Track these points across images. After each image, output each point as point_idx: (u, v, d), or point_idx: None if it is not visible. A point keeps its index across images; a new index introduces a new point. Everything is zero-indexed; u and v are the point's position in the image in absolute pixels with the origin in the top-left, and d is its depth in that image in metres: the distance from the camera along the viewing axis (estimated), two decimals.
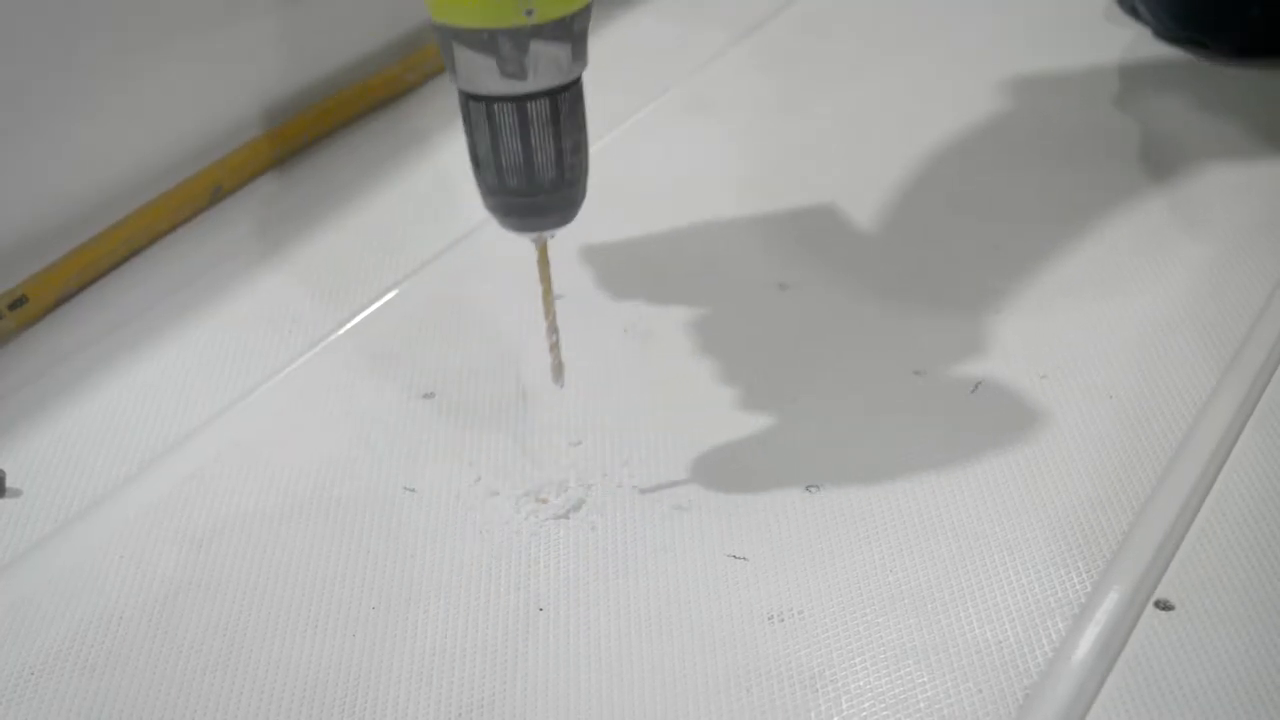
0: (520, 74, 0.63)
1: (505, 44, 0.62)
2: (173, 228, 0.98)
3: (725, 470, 0.76)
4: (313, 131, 1.07)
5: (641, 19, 1.21)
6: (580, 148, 0.66)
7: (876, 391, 0.80)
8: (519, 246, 0.93)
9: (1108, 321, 0.83)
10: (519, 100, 0.64)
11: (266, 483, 0.77)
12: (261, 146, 1.03)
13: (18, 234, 0.91)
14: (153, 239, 0.97)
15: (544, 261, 0.70)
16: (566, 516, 0.74)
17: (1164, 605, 0.67)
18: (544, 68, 0.63)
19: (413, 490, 0.76)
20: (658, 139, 1.04)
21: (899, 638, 0.66)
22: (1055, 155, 0.99)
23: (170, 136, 1.00)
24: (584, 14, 0.63)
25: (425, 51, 1.14)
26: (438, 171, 1.03)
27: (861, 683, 0.65)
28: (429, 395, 0.82)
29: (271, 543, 0.74)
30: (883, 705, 0.63)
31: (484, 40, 0.62)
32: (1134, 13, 1.11)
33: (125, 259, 0.95)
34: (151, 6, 0.96)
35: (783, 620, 0.68)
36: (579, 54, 0.64)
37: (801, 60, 1.09)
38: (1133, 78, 1.07)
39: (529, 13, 0.61)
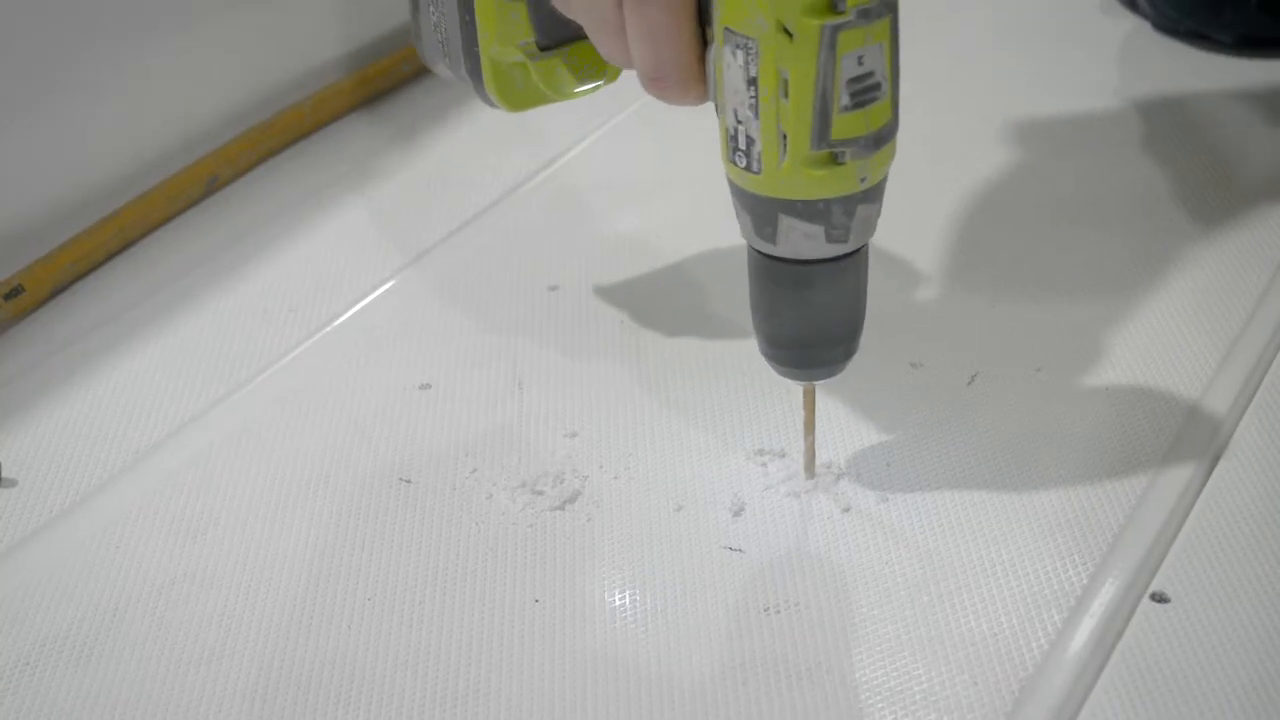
0: (844, 239, 0.64)
1: (837, 212, 0.63)
2: (169, 218, 0.98)
3: (720, 462, 0.76)
4: (308, 122, 1.06)
5: None
6: (865, 298, 0.68)
7: (872, 383, 0.80)
8: (515, 240, 0.93)
9: (1104, 314, 0.83)
10: (834, 261, 0.65)
11: (262, 473, 0.77)
12: (257, 137, 1.03)
13: (14, 223, 0.91)
14: (149, 229, 0.97)
15: (810, 403, 0.72)
16: (562, 508, 0.74)
17: (1160, 598, 0.67)
18: (862, 228, 0.65)
19: (409, 481, 0.76)
20: (655, 132, 1.04)
21: (895, 630, 0.66)
22: (1052, 148, 0.99)
23: (166, 127, 0.99)
24: (887, 175, 0.65)
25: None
26: (435, 162, 1.03)
27: (857, 675, 0.64)
28: (425, 386, 0.82)
29: (266, 534, 0.74)
30: (878, 697, 0.63)
31: (817, 210, 0.63)
32: (1131, 4, 1.11)
33: (121, 249, 0.95)
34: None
35: (779, 612, 0.68)
36: (879, 210, 0.65)
37: None
38: (1131, 69, 1.07)
39: (863, 179, 0.63)
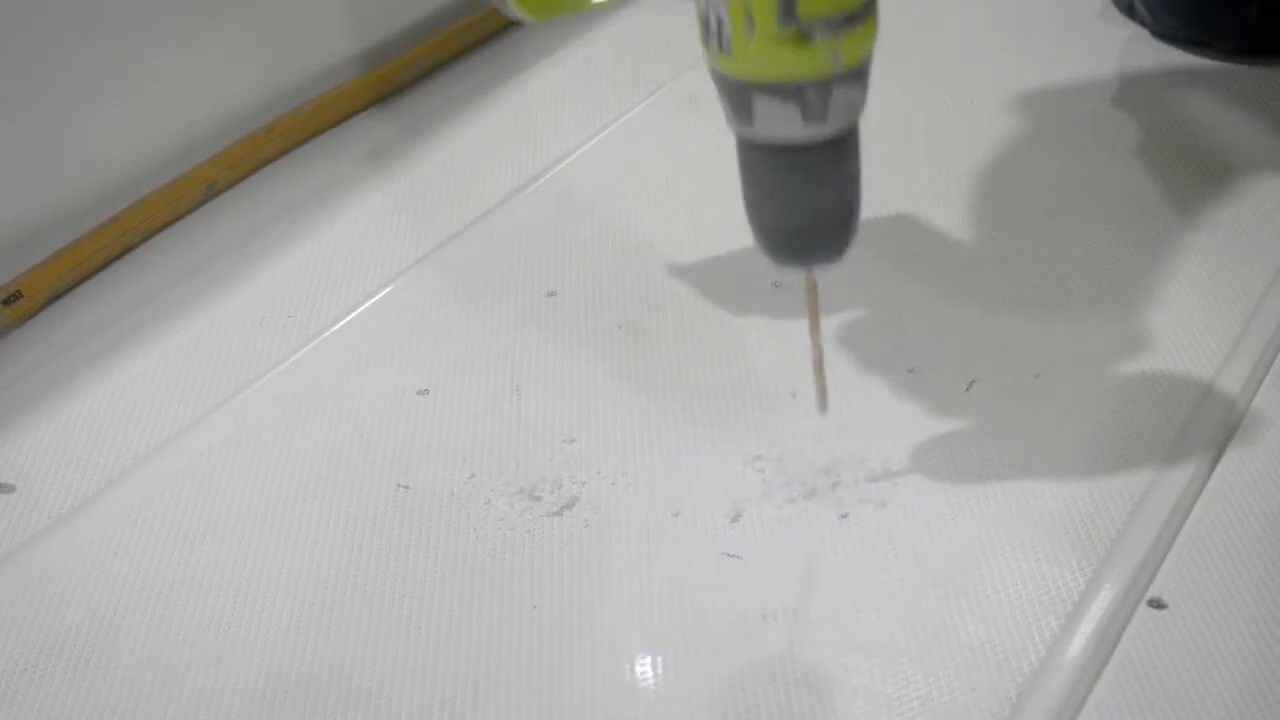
0: (822, 118, 0.62)
1: (811, 92, 0.62)
2: (167, 224, 0.98)
3: (718, 468, 0.76)
4: (307, 128, 1.06)
5: (636, 14, 1.21)
6: (858, 184, 0.67)
7: (871, 389, 0.80)
8: (513, 245, 0.93)
9: (1102, 321, 0.83)
10: (815, 145, 0.64)
11: (260, 479, 0.77)
12: (255, 142, 1.03)
13: (12, 229, 0.91)
14: (147, 235, 0.97)
15: (813, 295, 0.70)
16: (560, 514, 0.74)
17: (1157, 604, 0.67)
18: (841, 111, 0.63)
19: (406, 487, 0.76)
20: (650, 136, 1.04)
21: (892, 636, 0.66)
22: (1051, 155, 0.99)
23: (164, 132, 1.00)
24: (870, 58, 0.63)
25: (420, 48, 1.14)
26: (432, 168, 1.03)
27: (855, 681, 0.65)
28: (423, 392, 0.82)
29: (264, 539, 0.74)
30: (876, 704, 0.63)
31: (789, 91, 0.62)
32: (1130, 12, 1.11)
33: (120, 255, 0.95)
34: (142, 6, 0.96)
35: (776, 619, 0.68)
36: (864, 94, 0.64)
37: None
38: (1130, 77, 1.07)
39: (836, 60, 0.61)
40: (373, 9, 1.13)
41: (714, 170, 0.98)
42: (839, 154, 0.65)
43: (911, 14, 1.18)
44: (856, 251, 0.89)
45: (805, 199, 0.65)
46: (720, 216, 0.94)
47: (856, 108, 0.64)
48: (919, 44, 1.13)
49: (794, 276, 0.70)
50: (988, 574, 0.69)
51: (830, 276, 0.69)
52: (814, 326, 0.71)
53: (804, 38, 0.60)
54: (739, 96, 0.63)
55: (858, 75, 0.63)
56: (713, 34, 0.62)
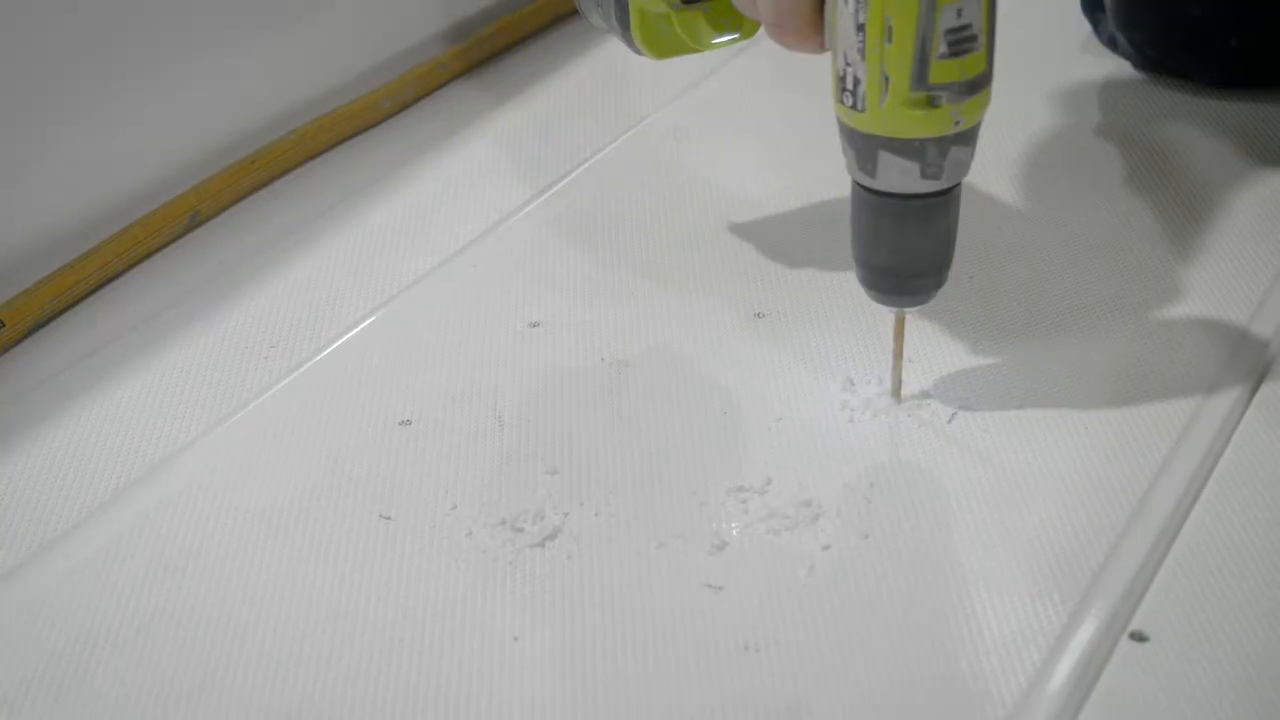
0: (938, 176, 0.71)
1: (932, 151, 0.70)
2: (149, 254, 0.98)
3: (700, 499, 0.76)
4: (290, 158, 1.06)
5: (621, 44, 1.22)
6: (955, 234, 0.75)
7: (853, 419, 0.80)
8: (496, 276, 0.93)
9: (1085, 353, 0.83)
10: (932, 197, 0.72)
11: (241, 509, 0.77)
12: (238, 172, 1.03)
13: None
14: (129, 265, 0.97)
15: (900, 329, 0.79)
16: (542, 545, 0.74)
17: (1139, 637, 0.67)
18: (954, 169, 0.72)
19: (388, 518, 0.76)
20: (641, 166, 1.04)
21: (874, 669, 0.66)
22: (1033, 186, 0.99)
23: (147, 162, 0.99)
24: (981, 121, 0.72)
25: (404, 79, 1.14)
26: (414, 198, 1.03)
27: (836, 714, 0.64)
28: (405, 422, 0.82)
29: (245, 570, 0.74)
30: None
31: (914, 148, 0.70)
32: (1112, 44, 1.12)
33: (101, 285, 0.95)
34: (126, 32, 0.96)
35: (758, 650, 0.68)
36: (973, 154, 0.73)
37: (781, 89, 1.09)
38: (1112, 109, 1.08)
39: (957, 122, 0.70)
40: (351, 47, 1.13)
41: (697, 201, 0.99)
42: (945, 208, 0.73)
43: None
44: (837, 281, 0.90)
45: (910, 245, 0.74)
46: (704, 246, 0.95)
47: (966, 166, 0.73)
48: None
49: (888, 312, 0.79)
50: (969, 607, 0.69)
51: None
52: (898, 356, 0.80)
53: (931, 102, 0.69)
54: (866, 150, 0.72)
55: (970, 136, 0.72)
56: (847, 92, 0.71)
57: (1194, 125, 1.05)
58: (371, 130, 1.12)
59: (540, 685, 0.67)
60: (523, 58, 1.21)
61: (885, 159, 0.71)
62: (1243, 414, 0.79)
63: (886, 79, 0.68)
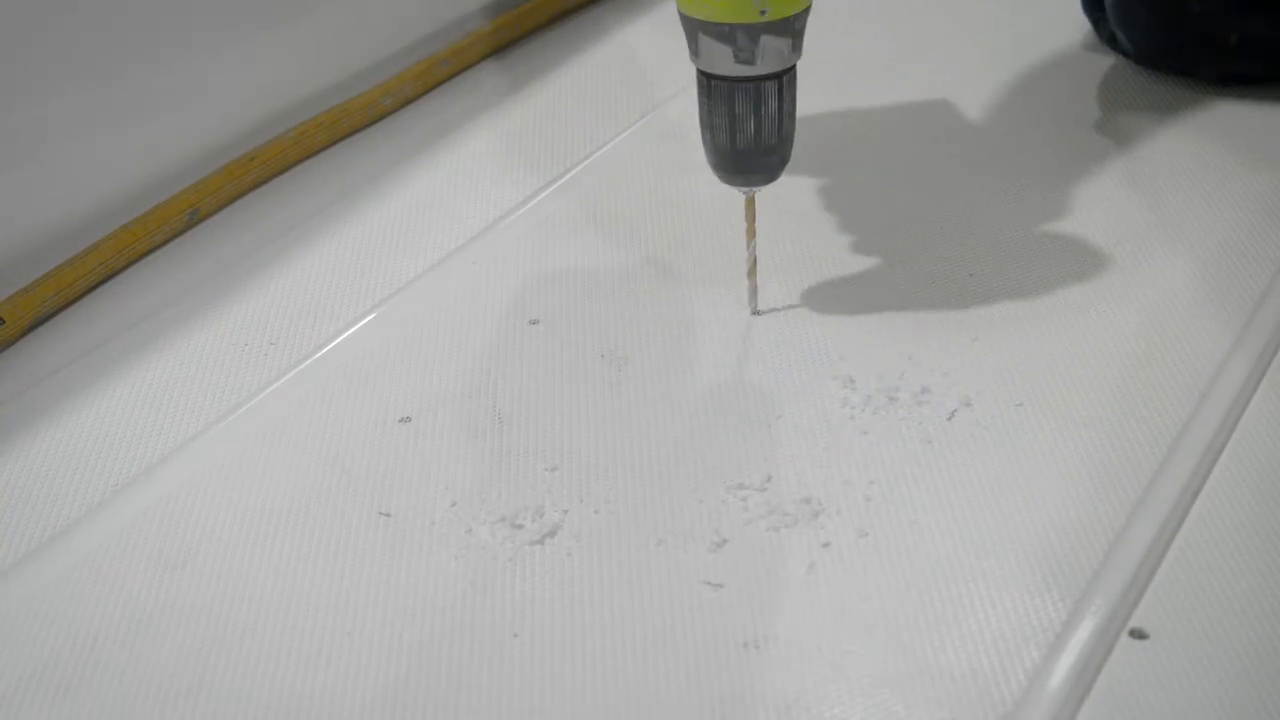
0: (750, 61, 0.79)
1: (741, 36, 0.79)
2: (149, 250, 0.98)
3: (700, 496, 0.76)
4: (290, 156, 1.06)
5: (622, 40, 1.21)
6: (791, 119, 0.83)
7: (851, 417, 0.80)
8: (496, 273, 0.93)
9: (1085, 350, 0.83)
10: (750, 81, 0.80)
11: (241, 506, 0.77)
12: (238, 170, 1.03)
13: None
14: (129, 262, 0.97)
15: (751, 210, 0.86)
16: (542, 542, 0.74)
17: (1138, 634, 0.67)
18: (770, 57, 0.79)
19: (388, 515, 0.76)
20: (639, 164, 1.04)
21: (873, 666, 0.66)
22: (1033, 183, 0.99)
23: (146, 159, 0.99)
24: (803, 14, 0.80)
25: (403, 77, 1.14)
26: (414, 195, 1.03)
27: (836, 711, 0.64)
28: (405, 419, 0.82)
29: (245, 566, 0.73)
30: None
31: (724, 32, 0.79)
32: (1113, 42, 1.12)
33: (101, 282, 0.95)
34: (125, 30, 0.96)
35: (758, 647, 0.68)
36: (797, 46, 0.81)
37: None
38: (1113, 107, 1.08)
39: (763, 12, 0.78)
40: (350, 45, 1.13)
41: (696, 198, 0.99)
42: (768, 93, 0.81)
43: (893, 47, 1.18)
44: (835, 279, 0.90)
45: (740, 127, 0.81)
46: (703, 244, 0.95)
47: (785, 56, 0.80)
48: (902, 76, 1.14)
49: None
50: (969, 604, 0.69)
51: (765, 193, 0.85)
52: (750, 235, 0.87)
53: None
54: (690, 34, 0.81)
55: (785, 30, 0.79)
56: None
57: (1194, 122, 1.05)
58: (370, 128, 1.12)
59: (539, 682, 0.67)
60: (521, 55, 1.21)
61: (704, 42, 0.80)
62: (1243, 411, 0.79)
63: None
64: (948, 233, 0.94)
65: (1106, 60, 1.13)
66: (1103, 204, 0.96)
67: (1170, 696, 0.64)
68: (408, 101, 1.15)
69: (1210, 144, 1.02)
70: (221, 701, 0.67)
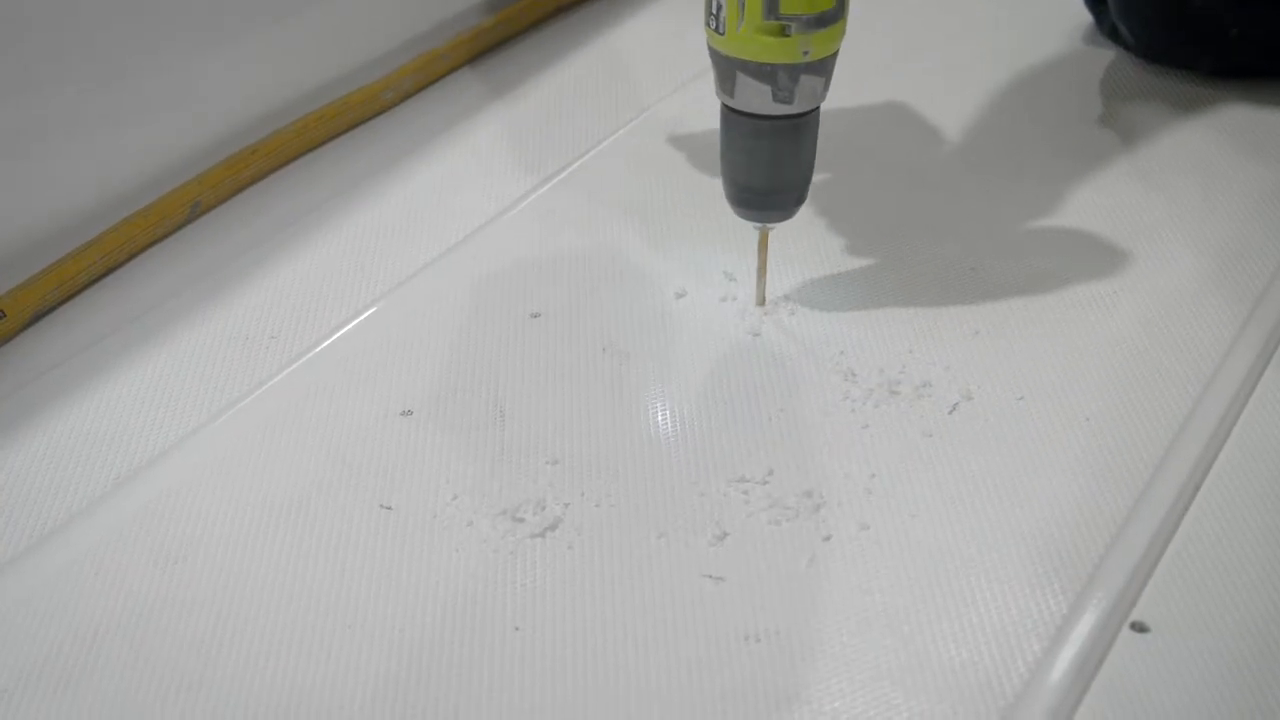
0: (789, 100, 0.79)
1: (783, 76, 0.78)
2: (151, 244, 0.98)
3: (701, 489, 0.76)
4: (291, 149, 1.06)
5: (623, 34, 1.21)
6: (812, 159, 0.83)
7: (853, 410, 0.80)
8: (497, 267, 0.93)
9: (1086, 343, 0.84)
10: (786, 119, 0.80)
11: (242, 500, 0.77)
12: (240, 163, 1.03)
13: None
14: (131, 255, 0.97)
15: (764, 246, 0.87)
16: (543, 535, 0.74)
17: (1140, 627, 0.67)
18: (806, 95, 0.79)
19: (389, 508, 0.76)
20: (636, 158, 1.04)
21: (875, 659, 0.66)
22: (1035, 177, 0.99)
23: (148, 152, 0.99)
24: (835, 55, 0.80)
25: (404, 70, 1.14)
26: (415, 189, 1.03)
27: (837, 704, 0.64)
28: (406, 413, 0.82)
29: (246, 560, 0.74)
30: None
31: (766, 72, 0.78)
32: (1114, 35, 1.12)
33: (103, 275, 0.95)
34: (127, 24, 0.96)
35: (759, 640, 0.68)
36: (828, 85, 0.80)
37: None
38: (1115, 100, 1.08)
39: (805, 53, 0.77)
40: (352, 39, 1.13)
41: (700, 193, 0.99)
42: (799, 131, 0.81)
43: (895, 40, 1.18)
44: (837, 273, 0.90)
45: (767, 164, 0.82)
46: (705, 239, 0.94)
47: (819, 95, 0.80)
48: (903, 70, 1.14)
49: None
50: (970, 597, 0.69)
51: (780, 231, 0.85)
52: (762, 270, 0.87)
53: (782, 31, 0.77)
54: (726, 72, 0.79)
55: (821, 68, 0.79)
56: (712, 17, 0.78)
57: (1195, 115, 1.05)
58: (372, 121, 1.12)
59: (540, 675, 0.67)
60: (523, 50, 1.21)
61: (742, 81, 0.79)
62: (1245, 405, 0.79)
63: (743, 6, 0.77)
64: (950, 227, 0.94)
65: (1107, 54, 1.13)
66: (1105, 198, 0.96)
67: (1171, 689, 0.64)
68: (409, 95, 1.15)
69: (1212, 137, 1.02)
70: (222, 695, 0.67)
